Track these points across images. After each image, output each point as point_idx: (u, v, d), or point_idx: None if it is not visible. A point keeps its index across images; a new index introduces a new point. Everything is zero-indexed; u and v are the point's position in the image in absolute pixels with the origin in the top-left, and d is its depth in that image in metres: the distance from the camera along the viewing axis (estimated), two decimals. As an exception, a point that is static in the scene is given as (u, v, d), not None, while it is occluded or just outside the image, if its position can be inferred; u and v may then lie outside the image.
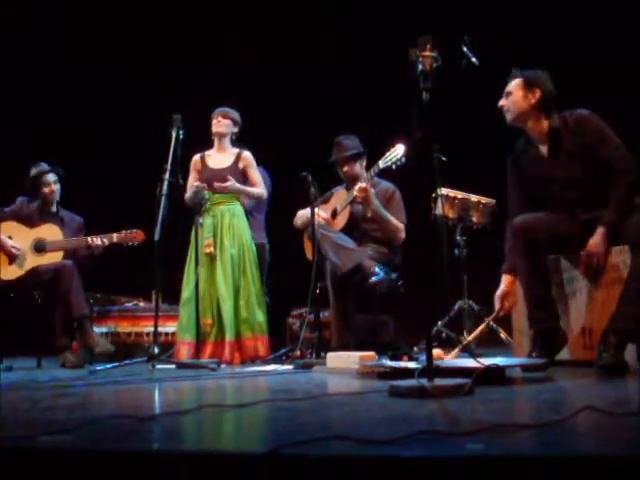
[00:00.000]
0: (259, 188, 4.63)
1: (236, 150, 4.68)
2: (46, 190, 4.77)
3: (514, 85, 3.23)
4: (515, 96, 3.21)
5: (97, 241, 4.60)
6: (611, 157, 3.03)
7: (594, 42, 5.17)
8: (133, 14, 6.26)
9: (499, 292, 3.29)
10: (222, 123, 4.62)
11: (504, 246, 3.31)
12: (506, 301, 3.29)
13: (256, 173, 4.66)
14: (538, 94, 3.18)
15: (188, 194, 4.53)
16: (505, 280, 3.29)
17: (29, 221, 4.72)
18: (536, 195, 3.29)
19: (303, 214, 4.51)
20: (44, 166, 4.82)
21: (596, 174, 3.07)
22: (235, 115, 4.67)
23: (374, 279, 3.96)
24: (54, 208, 4.86)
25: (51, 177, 4.80)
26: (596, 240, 2.99)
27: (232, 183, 4.48)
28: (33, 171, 4.81)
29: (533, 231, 3.10)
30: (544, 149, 3.24)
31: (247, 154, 4.66)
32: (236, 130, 4.70)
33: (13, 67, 6.00)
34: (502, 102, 3.27)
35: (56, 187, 4.82)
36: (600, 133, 3.09)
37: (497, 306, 3.30)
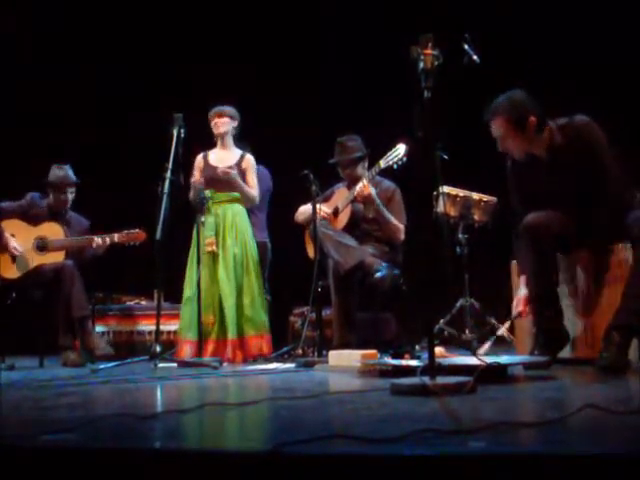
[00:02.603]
0: (254, 191, 4.64)
1: (240, 151, 4.69)
2: (61, 198, 4.71)
3: (506, 128, 3.06)
4: (514, 138, 3.07)
5: (98, 240, 4.59)
6: (602, 177, 2.97)
7: (593, 42, 5.16)
8: (133, 13, 6.25)
9: (520, 295, 3.20)
10: (220, 123, 4.62)
11: (513, 246, 3.27)
12: (527, 306, 3.18)
13: (254, 178, 4.66)
14: (533, 120, 3.04)
15: (191, 193, 4.54)
16: (524, 283, 3.20)
17: (35, 219, 4.67)
18: (536, 200, 3.21)
19: (306, 209, 4.50)
20: (68, 175, 4.71)
21: (593, 181, 3.01)
22: (231, 111, 4.65)
23: (378, 275, 3.96)
24: (63, 211, 4.81)
25: (70, 189, 4.74)
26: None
27: (235, 173, 4.50)
28: (56, 174, 4.68)
29: (543, 228, 3.06)
30: (543, 160, 3.15)
31: (250, 157, 4.68)
32: (236, 124, 4.69)
33: (13, 66, 5.99)
34: (502, 148, 3.13)
35: (70, 197, 4.77)
36: (595, 147, 3.00)
37: (518, 308, 3.20)
